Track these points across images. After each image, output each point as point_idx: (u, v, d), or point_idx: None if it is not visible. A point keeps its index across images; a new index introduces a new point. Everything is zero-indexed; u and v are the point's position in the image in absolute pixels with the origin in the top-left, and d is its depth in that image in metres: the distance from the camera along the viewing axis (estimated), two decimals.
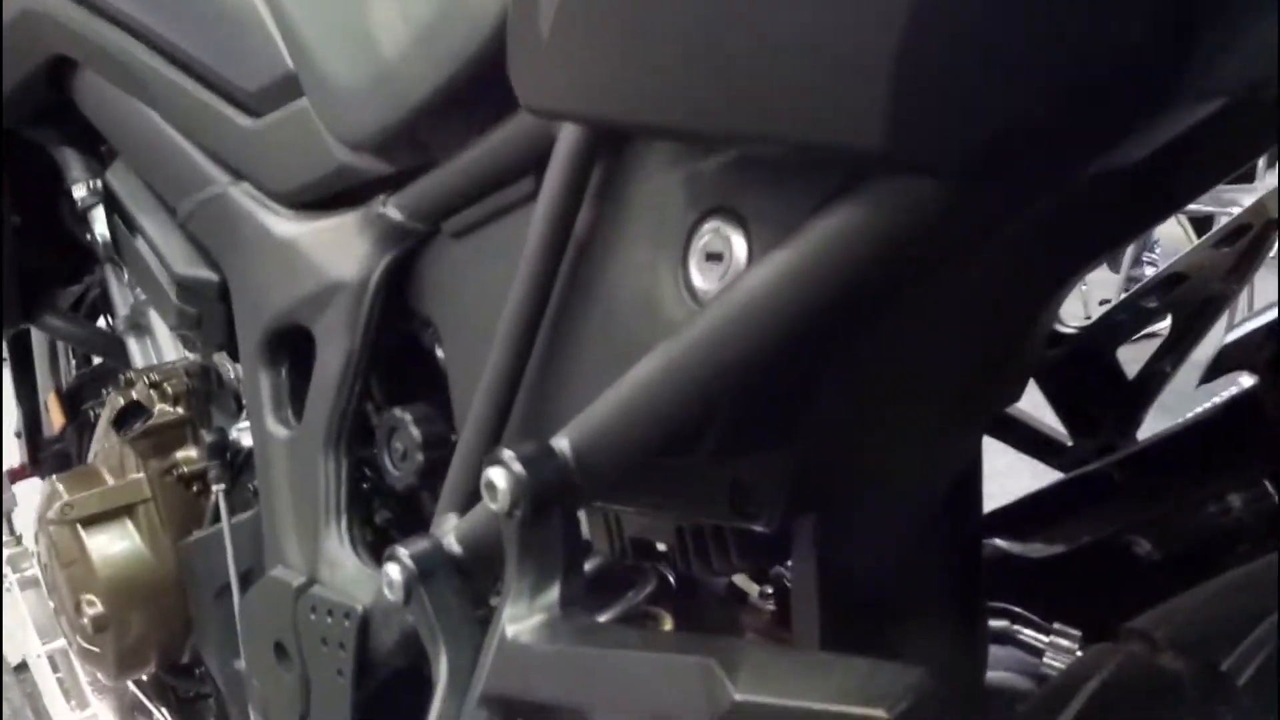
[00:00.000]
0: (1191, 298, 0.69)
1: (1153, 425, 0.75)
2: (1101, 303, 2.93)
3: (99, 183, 0.85)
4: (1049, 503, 0.74)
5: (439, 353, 0.61)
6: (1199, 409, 0.68)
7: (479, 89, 0.49)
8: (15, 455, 1.47)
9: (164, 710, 1.03)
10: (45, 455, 1.34)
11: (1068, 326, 0.72)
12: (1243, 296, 1.34)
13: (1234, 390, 0.70)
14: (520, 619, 0.39)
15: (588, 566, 0.73)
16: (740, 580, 0.79)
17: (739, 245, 0.39)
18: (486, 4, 0.47)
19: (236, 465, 0.83)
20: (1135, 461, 0.70)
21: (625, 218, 0.45)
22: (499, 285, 0.50)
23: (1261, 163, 1.98)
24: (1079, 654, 0.63)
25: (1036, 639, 0.67)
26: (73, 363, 1.36)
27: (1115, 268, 3.30)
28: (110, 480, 0.87)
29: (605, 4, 0.35)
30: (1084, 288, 3.09)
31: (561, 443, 0.41)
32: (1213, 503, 0.68)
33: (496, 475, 0.40)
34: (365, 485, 0.70)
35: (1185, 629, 0.43)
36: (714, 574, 0.59)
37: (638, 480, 0.51)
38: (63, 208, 0.95)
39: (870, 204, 0.30)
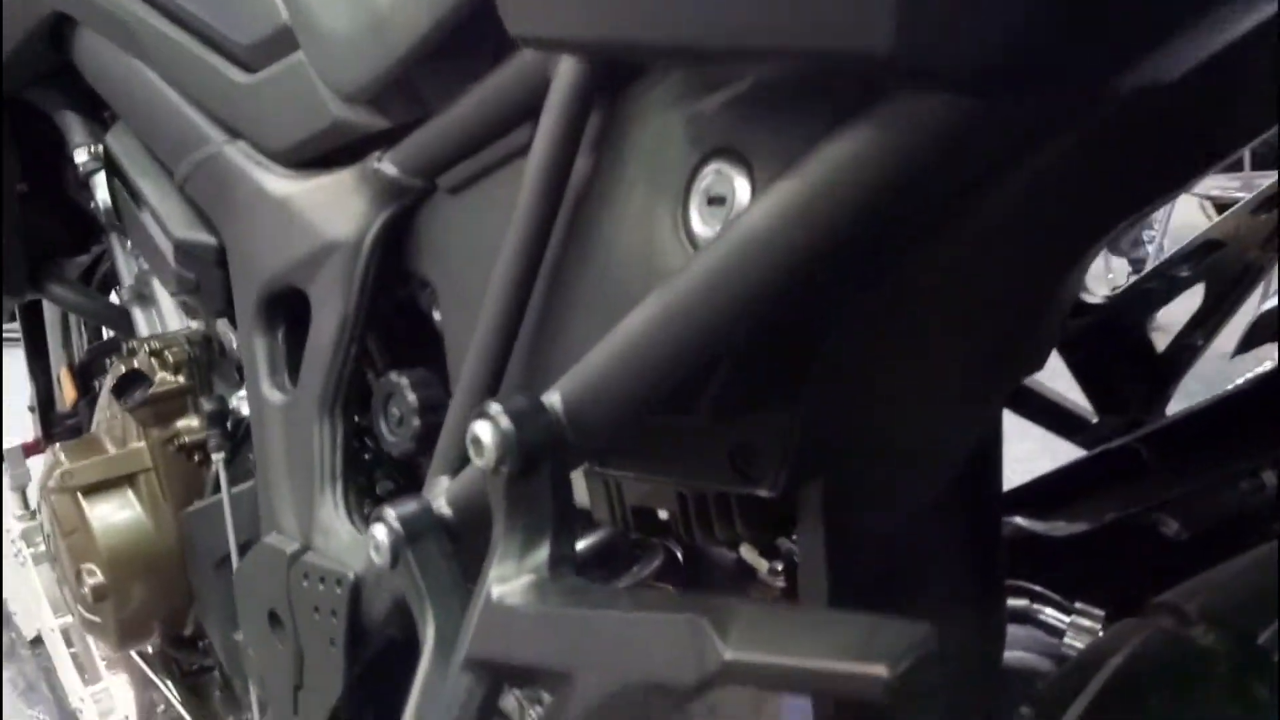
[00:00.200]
0: (1226, 266, 0.66)
1: (1181, 403, 0.72)
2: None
3: (100, 148, 0.84)
4: (1073, 480, 0.71)
5: (436, 315, 0.59)
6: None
7: (472, 33, 0.47)
8: (29, 430, 1.47)
9: (169, 683, 1.02)
10: (58, 429, 1.34)
11: (1095, 296, 0.69)
12: None
13: (1267, 365, 0.67)
14: (507, 579, 0.37)
15: (592, 540, 0.71)
16: (748, 555, 0.76)
17: (742, 188, 0.37)
18: None
19: (238, 435, 0.82)
20: (1163, 437, 0.67)
21: (623, 164, 0.42)
22: (495, 241, 0.47)
23: None
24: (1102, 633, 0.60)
25: (1058, 619, 0.64)
26: (85, 337, 1.36)
27: (1118, 250, 3.23)
28: (112, 449, 0.86)
29: None
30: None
31: (552, 397, 0.39)
32: (1244, 480, 0.65)
33: (482, 430, 0.38)
34: (366, 457, 0.68)
35: (1219, 601, 0.40)
36: (717, 543, 0.57)
37: (637, 443, 0.49)
38: (67, 175, 0.94)
39: (880, 127, 0.28)
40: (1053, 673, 0.60)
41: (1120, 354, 0.69)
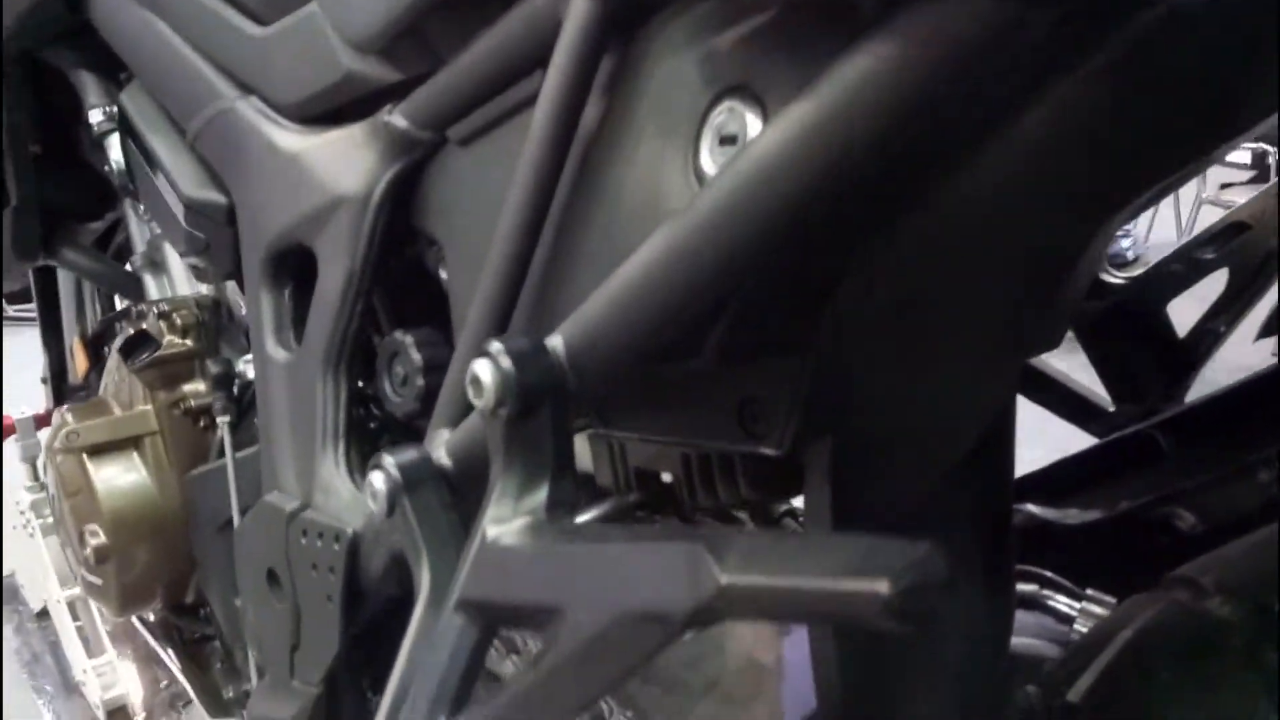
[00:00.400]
0: (1252, 249, 0.64)
1: (1199, 392, 0.70)
2: None
3: (115, 108, 0.84)
4: (1087, 467, 0.69)
5: (442, 274, 0.59)
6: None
7: None
8: (42, 401, 1.47)
9: (170, 651, 1.02)
10: (70, 401, 1.34)
11: (1115, 277, 0.67)
12: None
13: None
14: (503, 521, 0.36)
15: (595, 514, 0.70)
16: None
17: (754, 126, 0.36)
18: None
19: (243, 400, 0.81)
20: (1180, 424, 0.65)
21: (634, 108, 0.42)
22: (503, 195, 0.47)
23: None
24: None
25: (1068, 605, 0.63)
26: (99, 308, 1.36)
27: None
28: (118, 412, 0.86)
29: None
30: None
31: (555, 340, 0.38)
32: (1263, 470, 0.63)
33: (482, 369, 0.37)
34: (372, 425, 0.68)
35: (1235, 574, 0.39)
36: (722, 506, 0.55)
37: (642, 395, 0.48)
38: (82, 139, 0.94)
39: (897, 41, 0.27)
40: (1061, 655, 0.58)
41: (1139, 339, 0.67)
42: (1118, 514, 0.66)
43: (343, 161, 0.59)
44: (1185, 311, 0.70)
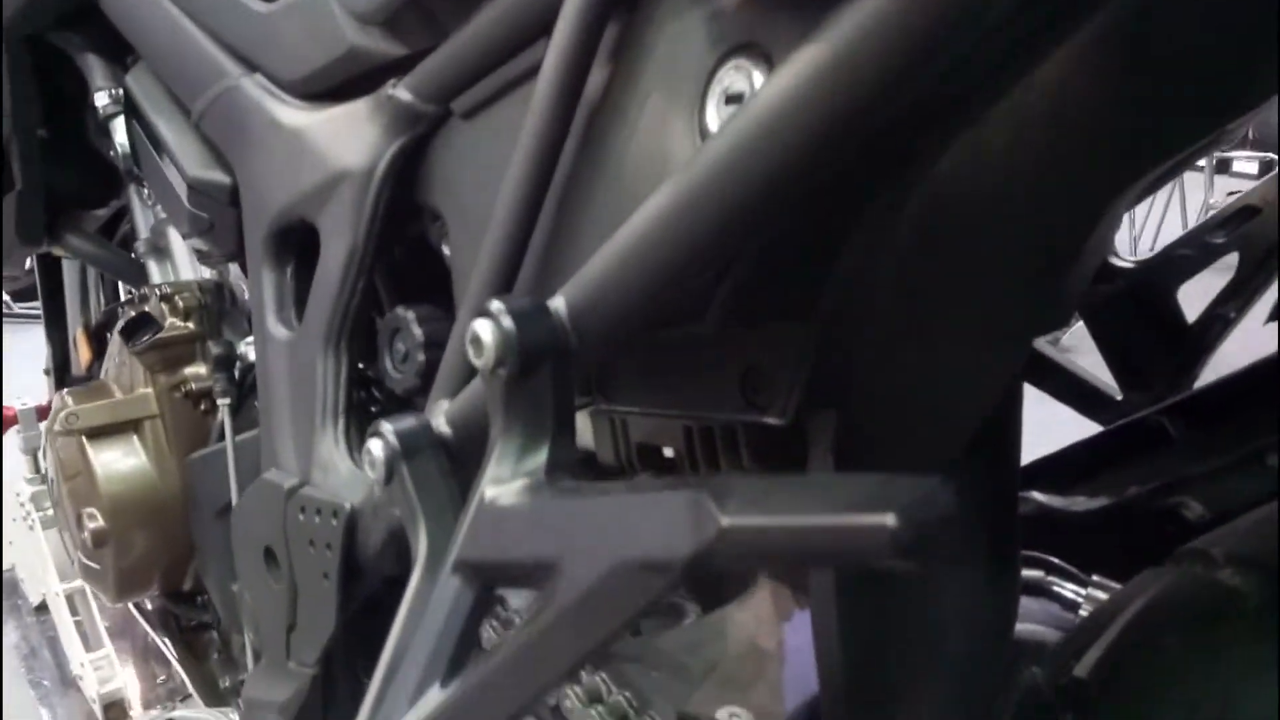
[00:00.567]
0: (1263, 234, 0.63)
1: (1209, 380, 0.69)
2: None
3: (120, 91, 0.84)
4: (1094, 454, 0.68)
5: (445, 250, 0.58)
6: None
7: None
8: (44, 393, 1.47)
9: (167, 641, 1.01)
10: None
11: (1124, 261, 0.66)
12: None
13: None
14: (502, 481, 0.35)
15: None
16: None
17: (761, 83, 0.35)
18: None
19: (244, 384, 0.81)
20: (1189, 409, 0.64)
21: (638, 72, 0.41)
22: (506, 167, 0.46)
23: None
24: None
25: (1074, 591, 0.62)
26: (102, 299, 1.36)
27: None
28: (119, 395, 0.85)
29: None
30: None
31: (557, 302, 0.38)
32: (1271, 455, 0.62)
33: (483, 328, 0.36)
34: (373, 410, 0.67)
35: (1246, 544, 0.38)
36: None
37: (645, 369, 0.48)
38: (88, 124, 0.94)
39: None
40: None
41: (1147, 324, 0.67)
42: (1125, 501, 0.65)
43: (346, 136, 0.59)
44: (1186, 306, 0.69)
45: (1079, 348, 0.89)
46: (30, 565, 1.67)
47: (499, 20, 0.48)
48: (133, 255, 1.05)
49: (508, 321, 0.36)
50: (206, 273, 0.92)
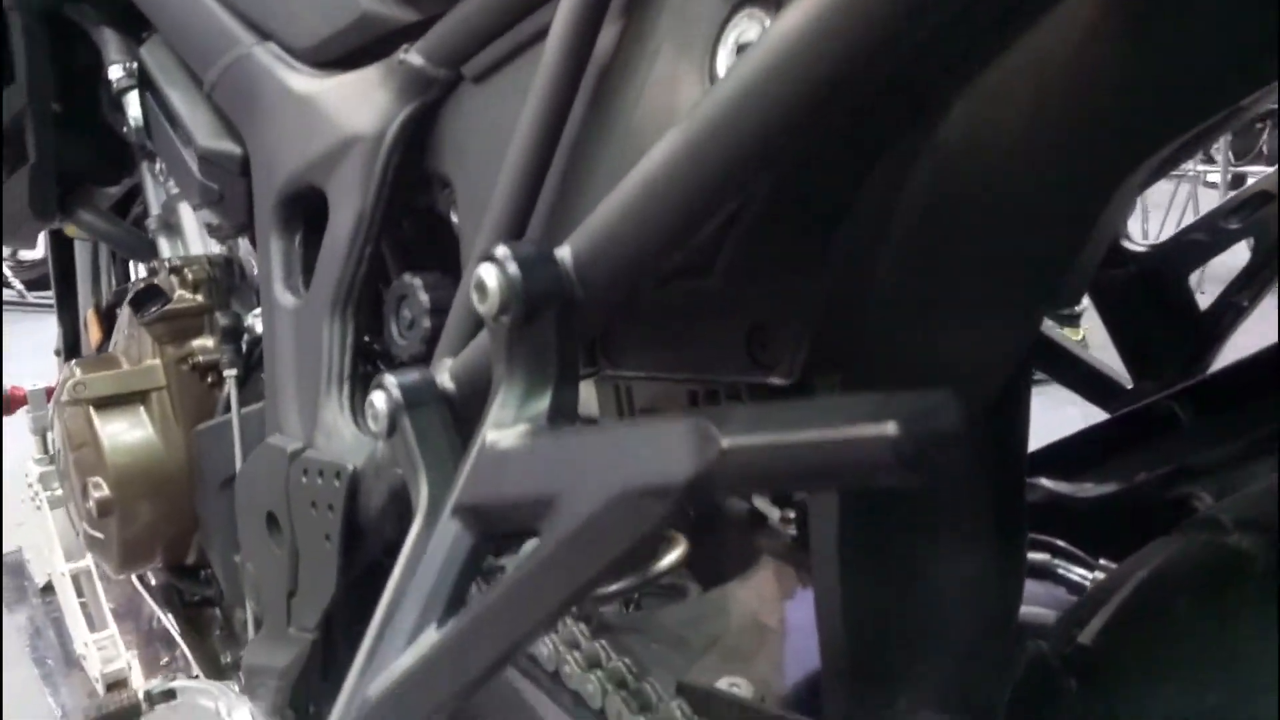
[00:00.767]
0: (1276, 220, 0.63)
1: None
2: None
3: (134, 65, 0.84)
4: (1103, 440, 0.68)
5: (453, 217, 0.58)
6: None
7: None
8: (56, 376, 1.48)
9: (170, 616, 1.01)
10: None
11: (1136, 244, 0.66)
12: None
13: None
14: (503, 426, 0.35)
15: None
16: (760, 504, 0.74)
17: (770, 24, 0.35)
18: None
19: (252, 358, 0.81)
20: (1197, 395, 0.63)
21: (650, 27, 0.41)
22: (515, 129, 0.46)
23: None
24: None
25: (1080, 575, 0.61)
26: (114, 280, 1.36)
27: None
28: (127, 366, 0.86)
29: None
30: None
31: (563, 251, 0.38)
32: None
33: (488, 273, 0.36)
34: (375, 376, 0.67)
35: (1255, 508, 0.38)
36: None
37: (650, 332, 0.48)
38: (102, 99, 0.95)
39: None
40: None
41: (1159, 310, 0.66)
42: (1134, 487, 0.64)
43: (357, 102, 0.59)
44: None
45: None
46: (37, 546, 1.68)
47: None
48: (144, 232, 1.06)
49: (513, 267, 0.36)
50: (217, 248, 0.92)
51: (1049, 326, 0.74)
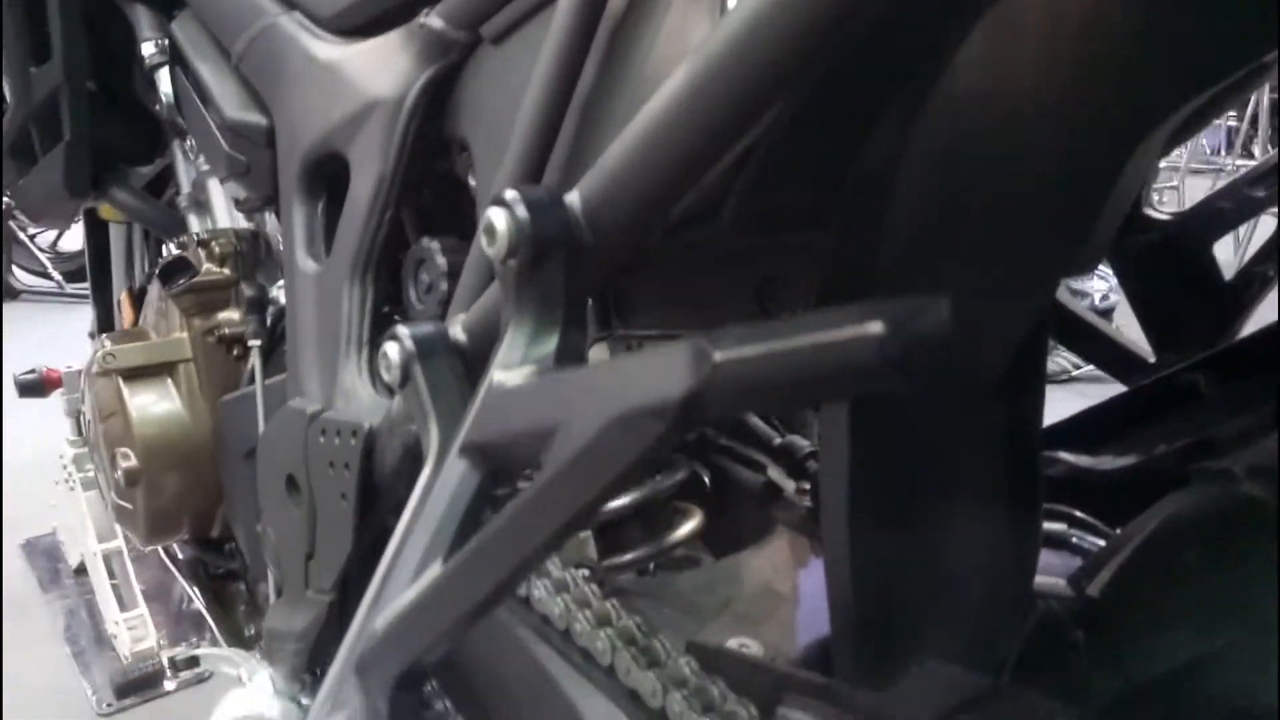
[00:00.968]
0: None
1: None
2: None
3: (166, 41, 0.86)
4: (1124, 412, 0.67)
5: (471, 181, 0.59)
6: None
7: None
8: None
9: (196, 590, 1.03)
10: None
11: (1159, 212, 0.65)
12: None
13: None
14: (511, 366, 0.35)
15: None
16: (775, 476, 0.74)
17: None
18: None
19: (276, 331, 0.82)
20: (1222, 363, 0.62)
21: None
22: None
23: None
24: None
25: (1096, 545, 0.60)
26: (147, 263, 1.39)
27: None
28: (155, 339, 0.87)
29: None
30: None
31: (572, 196, 0.38)
32: None
33: (497, 216, 0.37)
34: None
35: (1267, 456, 0.37)
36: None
37: (661, 288, 0.48)
38: (135, 78, 0.97)
39: None
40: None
41: (1183, 280, 0.65)
42: (1153, 459, 0.63)
43: (378, 68, 0.59)
44: None
45: None
46: (70, 527, 1.72)
47: None
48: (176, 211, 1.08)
49: (522, 210, 0.36)
50: (244, 224, 0.93)
51: (1071, 301, 0.74)
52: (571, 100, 0.44)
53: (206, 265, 0.84)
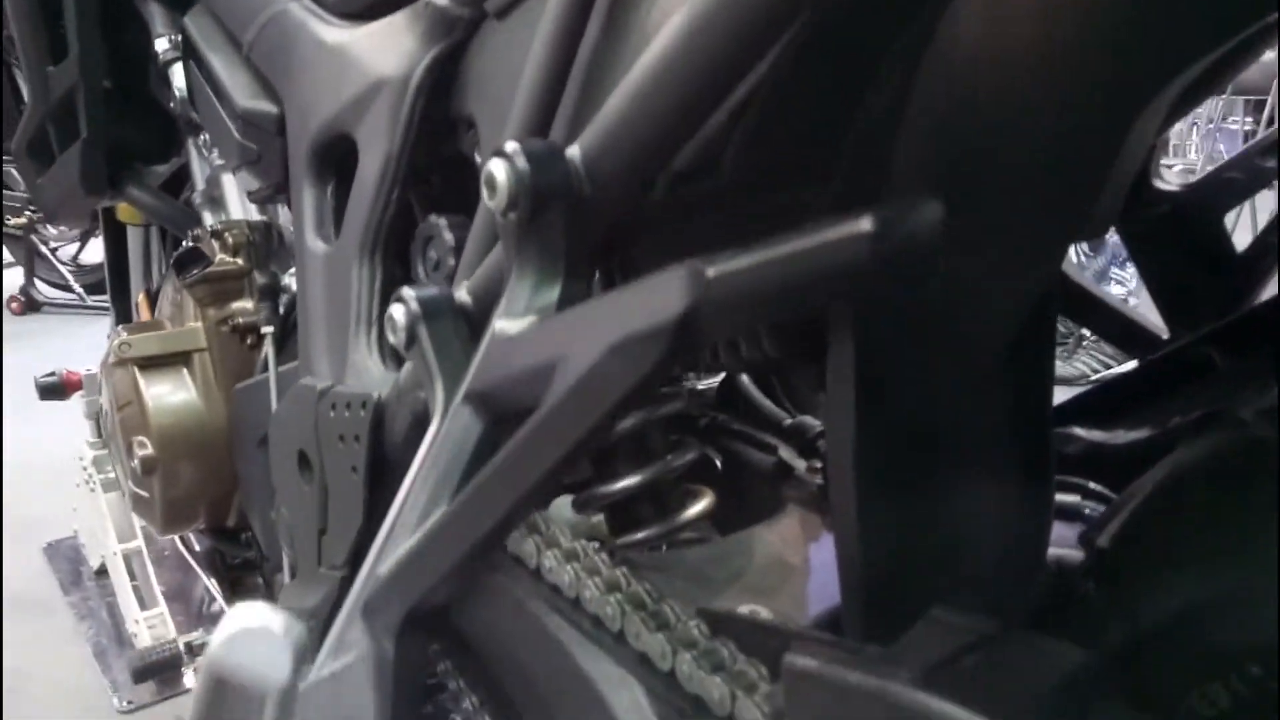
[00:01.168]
0: None
1: None
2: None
3: (179, 37, 0.87)
4: (1136, 386, 0.66)
5: (478, 159, 0.59)
6: None
7: None
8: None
9: (213, 580, 1.04)
10: None
11: (1168, 183, 0.64)
12: None
13: None
14: (513, 316, 0.36)
15: (622, 427, 0.69)
16: (786, 455, 0.74)
17: None
18: None
19: (290, 319, 0.83)
20: (1235, 332, 0.62)
21: None
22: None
23: None
24: None
25: None
26: (164, 265, 1.41)
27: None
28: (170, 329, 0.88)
29: None
30: None
31: (572, 149, 0.38)
32: None
33: (498, 168, 0.37)
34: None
35: (1273, 402, 0.37)
36: (743, 367, 0.54)
37: (665, 249, 0.48)
38: (151, 76, 0.98)
39: None
40: None
41: (1195, 252, 0.65)
42: (1167, 432, 0.63)
43: (385, 48, 0.60)
44: None
45: None
46: (91, 530, 1.73)
47: None
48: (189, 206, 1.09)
49: (522, 162, 0.37)
50: (258, 217, 0.94)
51: (1080, 274, 0.73)
52: (574, 63, 0.45)
53: (220, 256, 0.85)
